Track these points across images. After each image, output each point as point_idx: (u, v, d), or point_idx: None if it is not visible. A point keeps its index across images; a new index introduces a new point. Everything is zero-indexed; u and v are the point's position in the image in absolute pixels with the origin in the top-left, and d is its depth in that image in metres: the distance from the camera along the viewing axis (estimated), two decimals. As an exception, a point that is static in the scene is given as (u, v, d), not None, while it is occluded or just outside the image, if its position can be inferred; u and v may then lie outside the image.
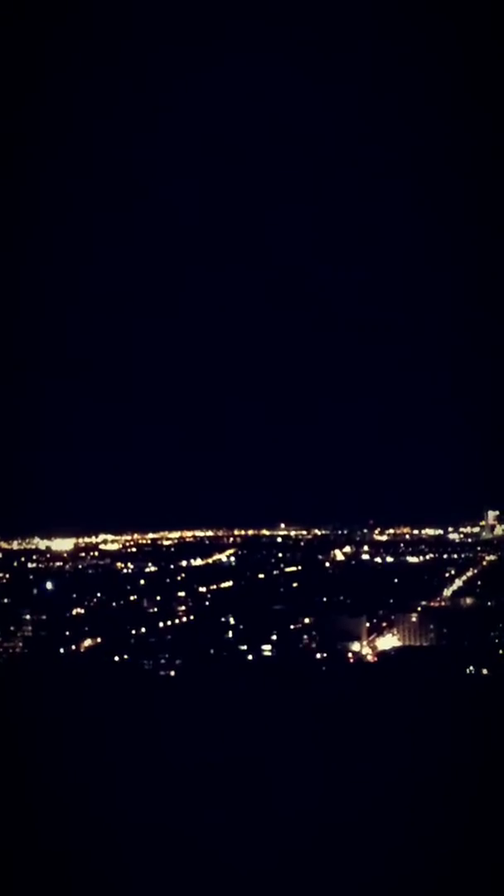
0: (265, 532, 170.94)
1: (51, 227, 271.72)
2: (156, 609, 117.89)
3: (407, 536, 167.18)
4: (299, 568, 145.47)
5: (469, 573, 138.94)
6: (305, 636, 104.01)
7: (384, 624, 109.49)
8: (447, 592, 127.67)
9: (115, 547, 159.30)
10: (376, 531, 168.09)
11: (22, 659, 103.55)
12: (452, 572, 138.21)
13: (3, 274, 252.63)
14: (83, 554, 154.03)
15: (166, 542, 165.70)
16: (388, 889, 41.02)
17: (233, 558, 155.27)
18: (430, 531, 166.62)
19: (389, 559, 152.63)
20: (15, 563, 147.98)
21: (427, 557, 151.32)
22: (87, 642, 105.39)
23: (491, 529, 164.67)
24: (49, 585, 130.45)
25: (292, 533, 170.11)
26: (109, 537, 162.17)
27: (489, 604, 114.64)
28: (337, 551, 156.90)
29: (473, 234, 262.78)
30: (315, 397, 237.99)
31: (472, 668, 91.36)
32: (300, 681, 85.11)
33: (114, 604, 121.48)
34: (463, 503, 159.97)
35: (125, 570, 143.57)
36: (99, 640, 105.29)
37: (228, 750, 59.31)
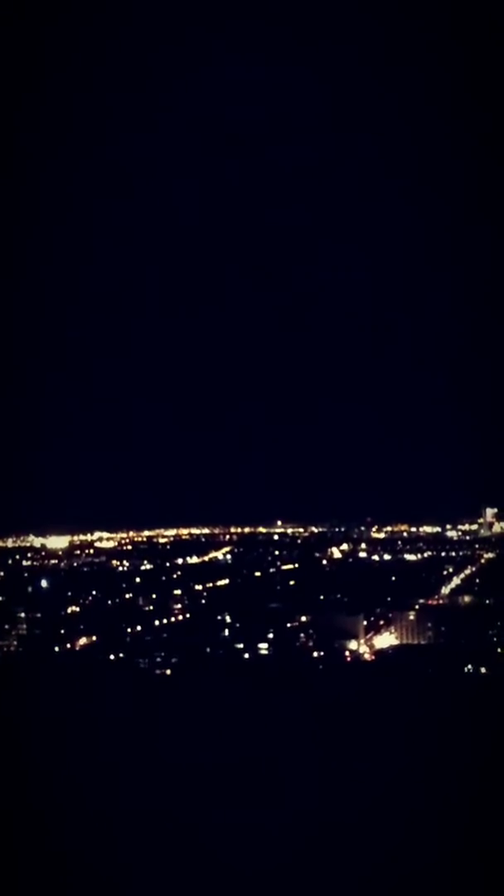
0: (262, 529, 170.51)
1: (51, 227, 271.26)
2: (151, 607, 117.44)
3: (405, 534, 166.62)
4: (296, 566, 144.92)
5: (467, 571, 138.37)
6: (302, 634, 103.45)
7: (382, 622, 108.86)
8: (445, 590, 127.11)
9: (110, 544, 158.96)
10: (374, 528, 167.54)
11: (16, 657, 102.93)
12: (450, 570, 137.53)
13: (3, 273, 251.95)
14: (78, 551, 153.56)
15: (162, 540, 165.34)
16: (386, 888, 40.82)
17: (229, 556, 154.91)
18: (428, 529, 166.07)
19: (387, 557, 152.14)
20: (9, 561, 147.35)
21: (425, 555, 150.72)
22: (83, 640, 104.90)
23: (489, 527, 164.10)
24: (44, 583, 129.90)
25: (289, 530, 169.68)
26: (105, 535, 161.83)
27: (487, 602, 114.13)
28: (334, 549, 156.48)
29: (473, 233, 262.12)
30: (312, 394, 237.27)
31: (470, 666, 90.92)
32: (297, 680, 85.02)
33: (109, 602, 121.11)
34: (461, 500, 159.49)
35: (121, 568, 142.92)
36: (94, 638, 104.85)
37: (225, 749, 59.20)
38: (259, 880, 41.13)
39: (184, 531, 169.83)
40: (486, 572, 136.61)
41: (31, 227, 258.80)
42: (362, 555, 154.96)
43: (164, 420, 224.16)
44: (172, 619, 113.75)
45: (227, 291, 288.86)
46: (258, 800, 50.09)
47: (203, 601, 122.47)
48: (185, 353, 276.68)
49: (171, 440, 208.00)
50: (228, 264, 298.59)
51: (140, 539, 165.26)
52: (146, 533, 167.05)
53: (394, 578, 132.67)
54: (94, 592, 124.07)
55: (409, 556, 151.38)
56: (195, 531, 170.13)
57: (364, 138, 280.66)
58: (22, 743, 60.26)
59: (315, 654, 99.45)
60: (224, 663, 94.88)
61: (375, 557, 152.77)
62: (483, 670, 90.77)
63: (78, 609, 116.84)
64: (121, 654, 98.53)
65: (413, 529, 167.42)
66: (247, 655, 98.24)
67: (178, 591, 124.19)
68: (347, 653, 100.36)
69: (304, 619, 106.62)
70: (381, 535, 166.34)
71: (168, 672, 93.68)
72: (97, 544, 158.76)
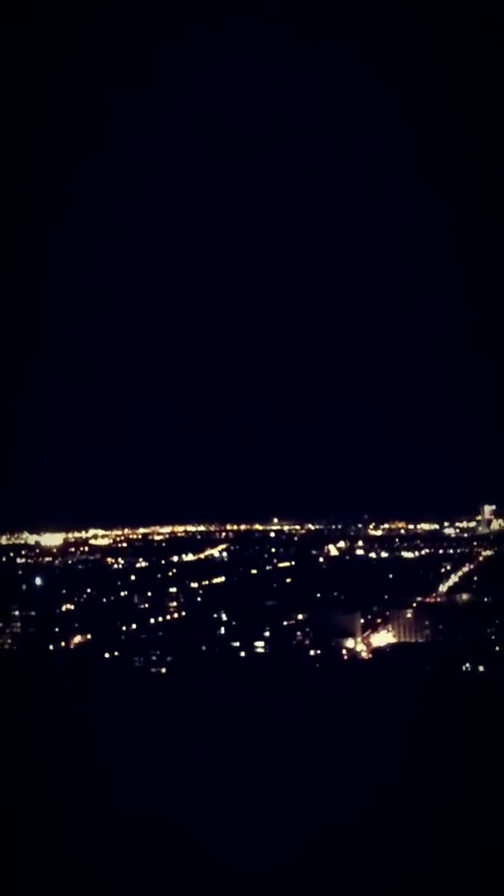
0: (258, 527, 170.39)
1: (50, 226, 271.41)
2: (147, 605, 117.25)
3: (402, 531, 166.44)
4: (293, 563, 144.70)
5: (465, 569, 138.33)
6: (299, 633, 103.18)
7: (379, 620, 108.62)
8: (443, 588, 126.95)
9: (105, 542, 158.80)
10: (371, 526, 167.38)
11: (11, 656, 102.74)
12: (448, 568, 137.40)
13: (3, 273, 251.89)
14: (73, 549, 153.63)
15: (157, 537, 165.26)
16: (384, 887, 40.64)
17: (225, 553, 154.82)
18: (425, 526, 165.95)
19: (384, 554, 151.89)
20: (3, 559, 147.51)
21: (423, 553, 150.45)
22: (77, 639, 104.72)
23: (487, 524, 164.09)
24: (38, 581, 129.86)
25: (285, 528, 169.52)
26: (100, 532, 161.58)
27: (485, 600, 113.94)
28: (331, 546, 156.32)
29: (473, 232, 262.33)
30: (308, 391, 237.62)
31: (468, 665, 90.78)
32: (293, 678, 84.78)
33: (104, 600, 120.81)
34: (459, 498, 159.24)
35: (115, 566, 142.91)
36: (89, 636, 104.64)
37: (220, 748, 58.93)
38: (255, 879, 40.95)
39: (179, 528, 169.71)
40: (484, 570, 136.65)
41: (32, 228, 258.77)
42: (359, 552, 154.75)
43: (160, 417, 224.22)
44: (168, 617, 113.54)
45: (226, 290, 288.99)
46: (254, 799, 49.90)
47: (199, 599, 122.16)
48: (181, 351, 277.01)
49: (167, 437, 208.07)
50: (228, 264, 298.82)
51: (135, 536, 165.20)
52: (141, 530, 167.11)
53: (391, 576, 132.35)
54: (88, 590, 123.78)
55: (407, 554, 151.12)
56: (191, 528, 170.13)
57: (364, 138, 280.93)
58: (16, 742, 59.80)
59: (312, 652, 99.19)
60: (220, 662, 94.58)
61: (373, 555, 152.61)
62: (481, 668, 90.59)
63: (72, 607, 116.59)
64: (116, 653, 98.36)
65: (410, 527, 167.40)
66: (243, 654, 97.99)
67: (173, 589, 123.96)
68: (344, 651, 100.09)
69: (300, 617, 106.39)
70: (379, 533, 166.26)
71: (163, 671, 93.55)
72: (92, 541, 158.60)
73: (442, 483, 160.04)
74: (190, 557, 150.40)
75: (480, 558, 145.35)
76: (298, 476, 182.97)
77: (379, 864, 41.99)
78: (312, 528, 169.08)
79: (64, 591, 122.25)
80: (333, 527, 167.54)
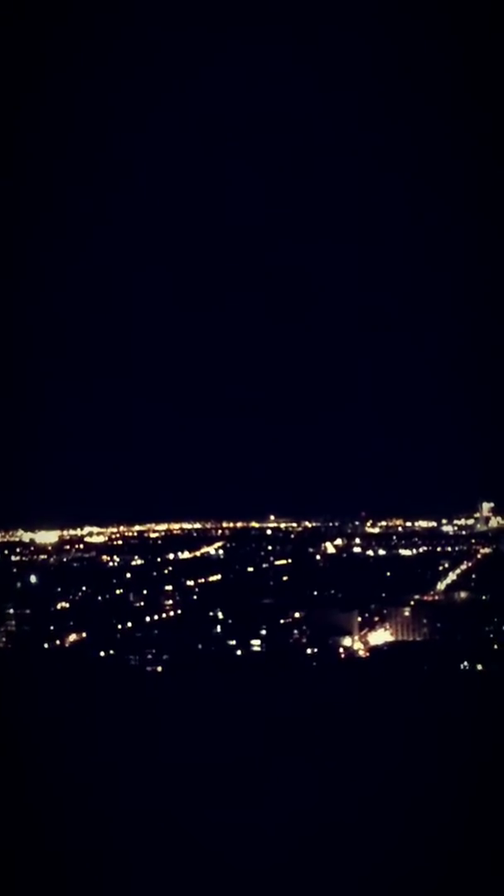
0: (254, 524, 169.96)
1: (50, 226, 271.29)
2: (142, 603, 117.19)
3: (400, 529, 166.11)
4: (289, 561, 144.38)
5: (463, 566, 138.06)
6: (296, 631, 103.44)
7: (376, 618, 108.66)
8: (441, 586, 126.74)
9: (100, 539, 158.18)
10: (368, 523, 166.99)
11: (5, 654, 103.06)
12: (446, 565, 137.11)
13: (3, 272, 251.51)
14: (68, 546, 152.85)
15: (153, 535, 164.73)
16: (384, 887, 40.45)
17: (221, 551, 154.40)
18: (423, 523, 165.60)
19: (382, 552, 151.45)
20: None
21: (420, 550, 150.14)
22: (72, 637, 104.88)
23: (486, 522, 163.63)
24: (33, 579, 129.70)
25: (282, 525, 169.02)
26: (95, 529, 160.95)
27: (484, 597, 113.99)
28: (328, 544, 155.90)
29: (472, 232, 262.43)
30: (305, 388, 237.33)
31: (466, 663, 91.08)
32: (290, 677, 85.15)
33: (99, 598, 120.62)
34: (457, 495, 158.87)
35: (111, 564, 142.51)
36: (84, 634, 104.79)
37: (217, 747, 58.76)
38: (252, 879, 40.71)
39: (175, 526, 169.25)
40: (483, 567, 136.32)
41: (31, 228, 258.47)
42: (356, 550, 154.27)
43: (156, 414, 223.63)
44: (164, 615, 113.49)
45: (224, 290, 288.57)
46: (251, 798, 49.77)
47: (195, 597, 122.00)
48: (178, 348, 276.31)
49: (163, 434, 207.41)
50: (228, 263, 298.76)
51: (131, 534, 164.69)
52: (137, 528, 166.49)
53: (389, 574, 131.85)
54: (84, 588, 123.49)
55: (405, 552, 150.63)
56: (187, 526, 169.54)
57: (364, 138, 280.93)
58: (10, 741, 59.43)
59: (309, 650, 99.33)
60: (216, 660, 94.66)
61: (370, 552, 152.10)
62: (479, 667, 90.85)
63: (68, 605, 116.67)
64: (111, 651, 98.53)
65: (408, 524, 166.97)
66: (239, 652, 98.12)
67: (169, 587, 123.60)
68: (341, 649, 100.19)
69: (297, 615, 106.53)
70: (376, 530, 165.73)
71: (159, 669, 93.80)
72: (87, 539, 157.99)
73: (440, 480, 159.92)
74: (186, 555, 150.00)
75: (479, 556, 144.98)
76: (295, 473, 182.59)
77: (377, 864, 41.77)
78: (309, 525, 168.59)
79: (59, 589, 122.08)
80: (330, 524, 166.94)
